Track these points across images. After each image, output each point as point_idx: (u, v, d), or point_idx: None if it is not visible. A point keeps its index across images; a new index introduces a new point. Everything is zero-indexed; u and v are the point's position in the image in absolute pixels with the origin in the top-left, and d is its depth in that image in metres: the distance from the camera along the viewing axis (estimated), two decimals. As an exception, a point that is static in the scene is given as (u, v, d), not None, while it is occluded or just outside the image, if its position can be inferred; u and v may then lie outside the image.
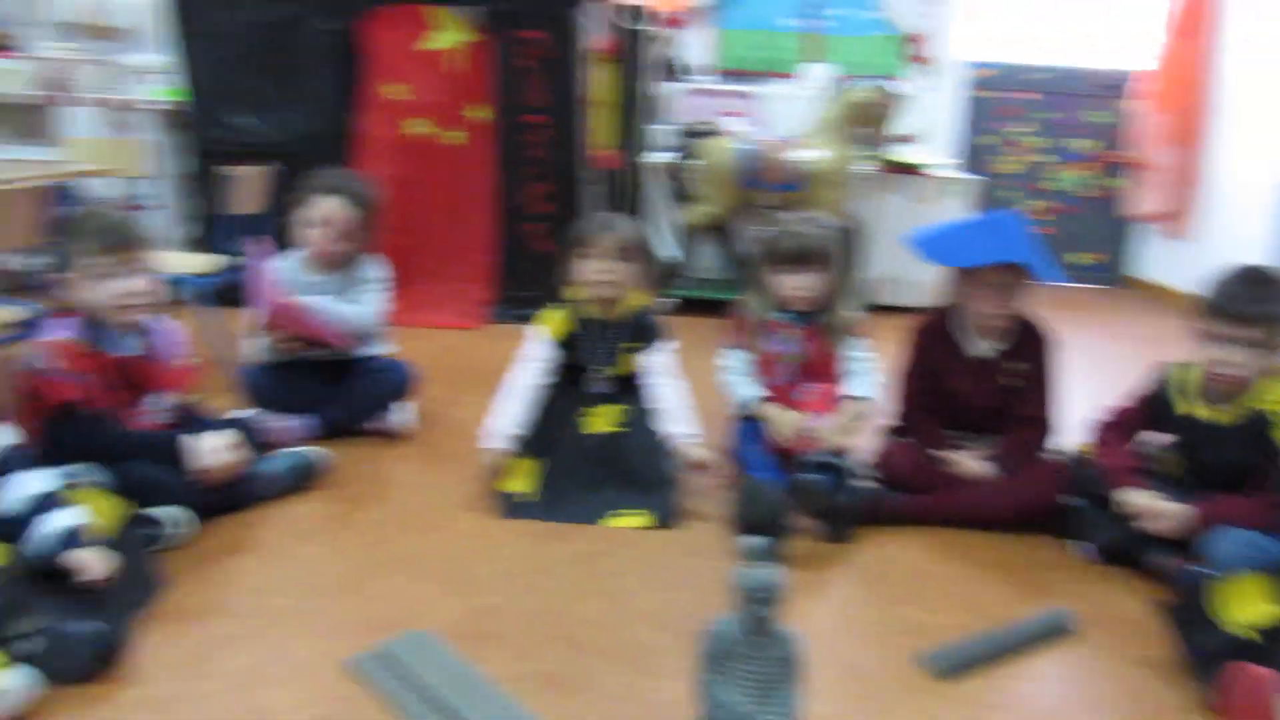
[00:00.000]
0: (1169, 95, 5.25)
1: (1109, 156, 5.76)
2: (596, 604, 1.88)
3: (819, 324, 2.48)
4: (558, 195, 4.09)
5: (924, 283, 4.63)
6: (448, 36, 3.95)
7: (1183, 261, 5.33)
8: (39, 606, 1.59)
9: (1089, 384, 3.48)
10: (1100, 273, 5.92)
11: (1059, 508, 2.26)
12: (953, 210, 4.58)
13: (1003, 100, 5.73)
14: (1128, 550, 2.11)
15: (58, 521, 1.71)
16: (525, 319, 4.10)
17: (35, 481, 1.74)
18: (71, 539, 1.69)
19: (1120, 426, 2.26)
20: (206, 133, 4.04)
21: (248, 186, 3.09)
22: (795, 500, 2.13)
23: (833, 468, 2.22)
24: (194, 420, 2.21)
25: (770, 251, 2.45)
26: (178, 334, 2.23)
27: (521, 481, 2.34)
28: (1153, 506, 2.03)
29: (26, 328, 2.44)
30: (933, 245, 2.36)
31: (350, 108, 4.09)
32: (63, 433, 1.97)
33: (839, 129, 4.25)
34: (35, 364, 1.98)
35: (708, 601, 1.90)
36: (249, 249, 2.58)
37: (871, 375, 2.47)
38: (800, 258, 2.40)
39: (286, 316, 2.56)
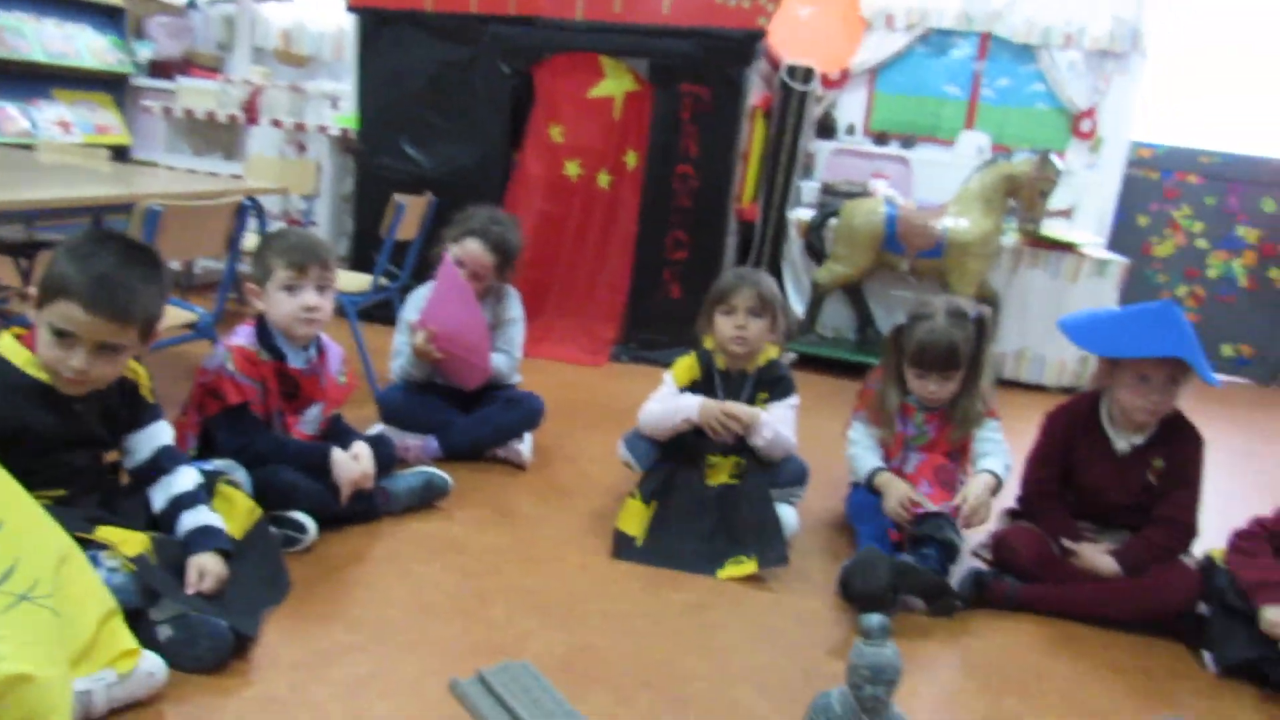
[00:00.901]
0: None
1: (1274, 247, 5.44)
2: (700, 659, 1.88)
3: (950, 411, 2.45)
4: (695, 244, 4.15)
5: (1058, 362, 4.48)
6: (615, 85, 4.10)
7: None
8: (175, 596, 1.68)
9: (1229, 486, 3.28)
10: (1252, 367, 5.56)
11: (1190, 614, 2.15)
12: (1100, 291, 4.41)
13: (1162, 181, 5.49)
14: (1260, 669, 1.99)
15: (190, 521, 1.82)
16: (648, 361, 4.21)
17: (184, 479, 1.87)
18: (198, 540, 1.79)
19: (1265, 538, 2.11)
20: (372, 160, 4.30)
21: (407, 214, 3.26)
22: (901, 578, 2.09)
23: (940, 542, 2.16)
24: (339, 432, 2.33)
25: (914, 355, 2.36)
26: (339, 352, 2.37)
27: (635, 523, 2.37)
28: None
29: (195, 330, 2.65)
30: (1089, 332, 2.28)
31: (511, 146, 4.28)
32: (227, 431, 2.13)
33: (991, 199, 4.17)
34: (216, 364, 2.14)
35: (814, 668, 1.88)
36: (443, 266, 2.72)
37: (1002, 457, 2.40)
38: (943, 365, 2.34)
39: (446, 339, 2.68)
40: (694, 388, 2.52)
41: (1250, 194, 5.42)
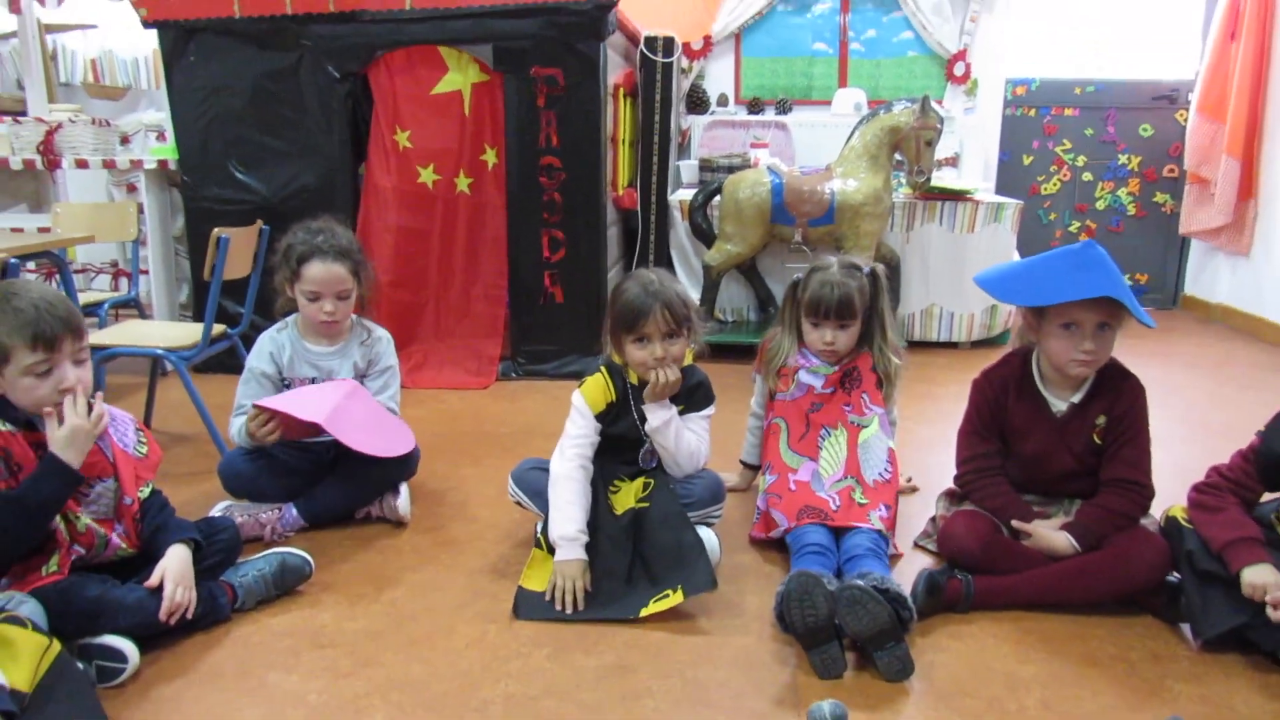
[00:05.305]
0: (1220, 104, 4.90)
1: (1157, 172, 5.42)
2: (621, 739, 1.57)
3: (848, 365, 2.32)
4: (572, 242, 3.81)
5: (967, 316, 4.31)
6: (460, 78, 3.72)
7: (1244, 279, 4.95)
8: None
9: (1169, 429, 3.13)
10: (1151, 294, 5.55)
11: (1161, 585, 1.94)
12: (998, 236, 4.26)
13: (1041, 118, 5.41)
14: (1245, 635, 1.79)
15: None
16: (540, 375, 3.86)
17: None
18: None
19: (1228, 489, 1.90)
20: (199, 192, 3.82)
21: (235, 248, 2.83)
22: (844, 610, 1.74)
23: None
24: (161, 526, 1.89)
25: (809, 304, 2.28)
26: (128, 417, 1.94)
27: (543, 578, 2.04)
28: None
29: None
30: (1009, 283, 2.06)
31: (355, 159, 3.86)
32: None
33: (876, 155, 3.94)
34: None
35: (755, 735, 1.58)
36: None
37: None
38: (838, 314, 2.24)
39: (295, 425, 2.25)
40: (609, 410, 2.17)
41: (1127, 121, 5.38)
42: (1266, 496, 1.93)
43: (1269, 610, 1.70)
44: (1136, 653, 1.84)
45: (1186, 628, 1.89)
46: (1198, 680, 1.74)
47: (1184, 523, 1.92)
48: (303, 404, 2.22)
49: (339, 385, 2.35)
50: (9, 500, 1.66)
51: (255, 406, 2.25)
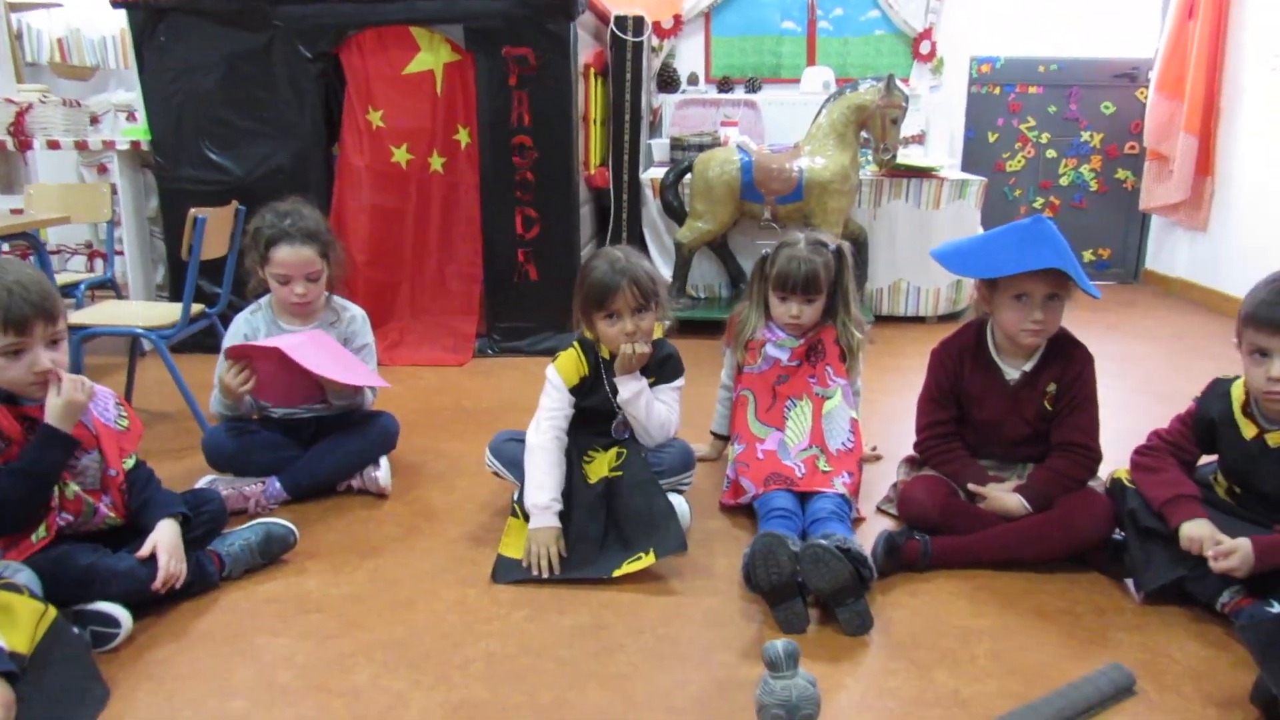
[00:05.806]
0: (1179, 82, 5.02)
1: (1118, 148, 5.54)
2: (600, 691, 1.65)
3: (813, 339, 2.42)
4: (546, 220, 3.86)
5: (933, 291, 4.42)
6: (431, 58, 3.75)
7: (1202, 254, 5.09)
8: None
9: (1120, 397, 3.26)
10: (1113, 268, 5.69)
11: (1107, 542, 2.05)
12: (962, 212, 4.36)
13: (1006, 95, 5.50)
14: (1184, 588, 1.90)
15: None
16: (516, 351, 3.93)
17: None
18: None
19: (1167, 451, 2.02)
20: (173, 173, 3.84)
21: (212, 228, 2.86)
22: (807, 568, 1.84)
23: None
24: (148, 502, 1.94)
25: (777, 279, 2.36)
26: (108, 393, 1.99)
27: (520, 545, 2.11)
28: (1223, 545, 1.80)
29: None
30: (962, 257, 2.15)
31: (329, 139, 3.89)
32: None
33: (843, 133, 4.02)
34: None
35: (727, 677, 1.68)
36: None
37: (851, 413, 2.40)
38: (804, 289, 2.33)
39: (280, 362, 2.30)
40: (583, 383, 2.25)
41: (1089, 98, 5.49)
42: (1205, 459, 2.05)
43: (1210, 562, 1.81)
44: (1082, 606, 1.95)
45: (1130, 582, 2.00)
46: (1138, 630, 1.86)
47: (1127, 483, 2.03)
48: (270, 341, 2.30)
49: (303, 331, 2.43)
50: (15, 471, 1.73)
51: (226, 353, 2.31)
